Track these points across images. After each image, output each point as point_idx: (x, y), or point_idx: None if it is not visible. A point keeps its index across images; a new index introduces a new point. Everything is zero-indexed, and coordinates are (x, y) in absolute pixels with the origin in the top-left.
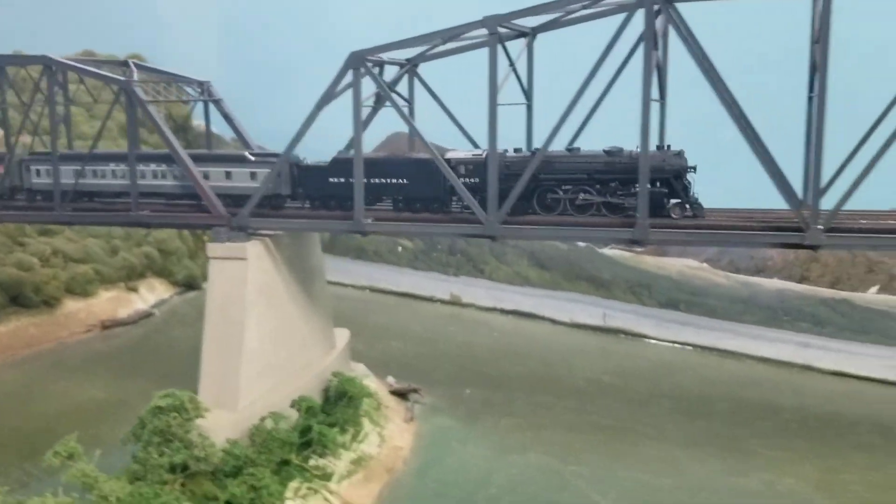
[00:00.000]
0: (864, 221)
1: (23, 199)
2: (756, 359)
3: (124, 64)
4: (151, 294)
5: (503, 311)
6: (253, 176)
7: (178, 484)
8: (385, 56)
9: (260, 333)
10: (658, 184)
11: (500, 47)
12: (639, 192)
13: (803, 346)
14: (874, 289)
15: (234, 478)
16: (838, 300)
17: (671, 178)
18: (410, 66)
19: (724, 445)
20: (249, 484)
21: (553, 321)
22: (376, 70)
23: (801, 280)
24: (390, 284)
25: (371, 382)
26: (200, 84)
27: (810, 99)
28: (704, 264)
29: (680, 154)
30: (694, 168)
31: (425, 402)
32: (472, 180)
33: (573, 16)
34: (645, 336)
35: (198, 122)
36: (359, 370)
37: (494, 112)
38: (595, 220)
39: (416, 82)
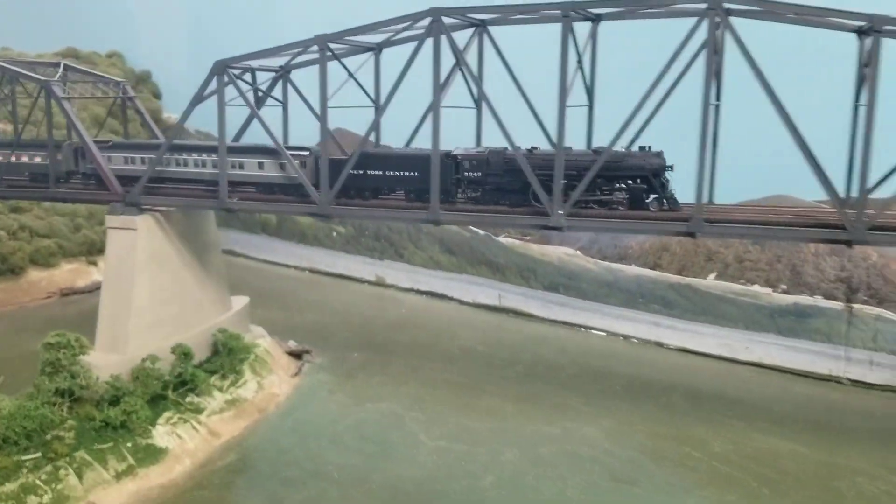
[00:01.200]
0: None
1: (78, 182)
2: (617, 335)
3: (55, 65)
4: None
5: (418, 292)
6: (281, 167)
7: (64, 407)
8: (255, 63)
9: (150, 292)
10: (639, 180)
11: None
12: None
13: (655, 325)
14: (712, 275)
15: (113, 405)
16: (683, 285)
17: (650, 175)
18: (283, 73)
19: (551, 402)
20: (124, 409)
21: (459, 301)
22: (247, 76)
23: (654, 267)
24: (327, 266)
25: (265, 343)
26: (118, 84)
27: (856, 108)
28: (578, 252)
29: (659, 154)
30: (671, 167)
31: (315, 362)
32: (475, 174)
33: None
34: (531, 315)
35: (167, 114)
36: (256, 332)
37: (438, 113)
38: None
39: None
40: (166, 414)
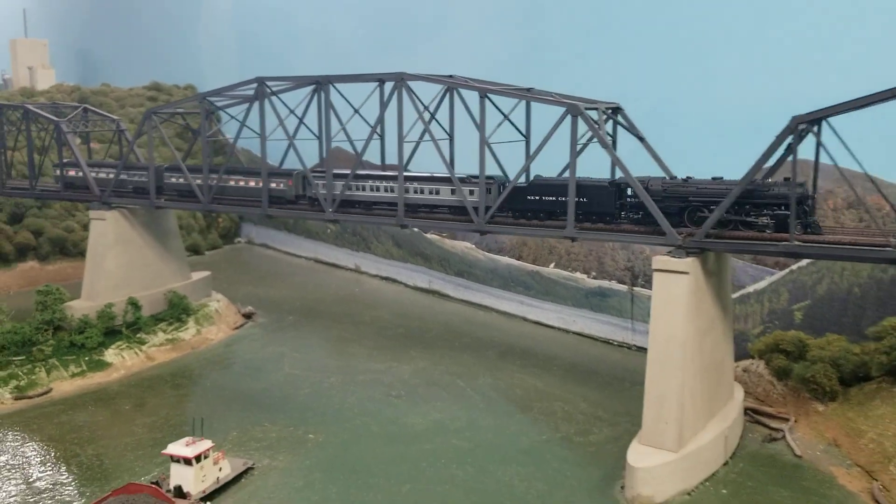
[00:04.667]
0: None
1: (305, 204)
2: (498, 311)
3: (76, 107)
4: None
5: (379, 277)
6: (454, 192)
7: (49, 332)
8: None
9: (116, 263)
10: (784, 208)
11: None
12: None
13: (520, 304)
14: (552, 264)
15: (80, 333)
16: (535, 272)
17: (794, 203)
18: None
19: (397, 351)
20: (85, 335)
21: (405, 284)
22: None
23: (518, 258)
24: (324, 257)
25: (218, 305)
26: (113, 121)
27: None
28: (473, 245)
29: (802, 184)
30: (813, 196)
31: (258, 321)
32: (636, 199)
33: None
34: (447, 295)
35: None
36: (216, 297)
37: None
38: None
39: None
40: (118, 342)
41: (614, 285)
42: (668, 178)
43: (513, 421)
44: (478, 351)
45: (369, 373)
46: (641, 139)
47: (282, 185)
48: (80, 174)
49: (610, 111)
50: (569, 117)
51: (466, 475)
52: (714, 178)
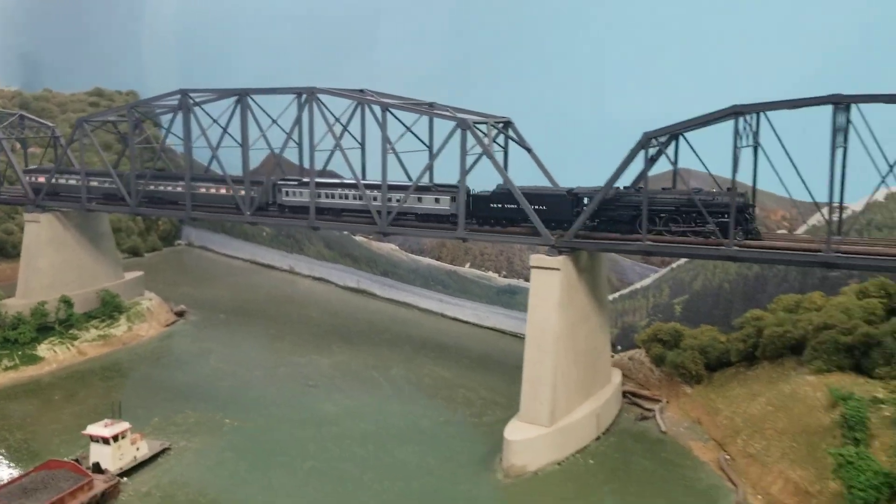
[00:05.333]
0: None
1: (275, 211)
2: (419, 309)
3: (13, 115)
4: None
5: (313, 278)
6: (437, 200)
7: None
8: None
9: (50, 263)
10: (727, 216)
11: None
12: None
13: (439, 301)
14: (468, 264)
15: (13, 329)
16: (452, 271)
17: (737, 211)
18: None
19: (318, 345)
20: (19, 331)
21: (335, 284)
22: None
23: (438, 258)
24: (261, 258)
25: (150, 303)
26: (49, 128)
27: None
28: (396, 247)
29: (744, 194)
30: (753, 205)
31: (189, 319)
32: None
33: None
34: (374, 294)
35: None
36: (148, 295)
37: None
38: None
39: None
40: (51, 338)
41: (521, 283)
42: (621, 188)
43: (417, 406)
44: (395, 345)
45: (291, 366)
46: (529, 150)
47: (253, 192)
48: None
49: (501, 125)
50: (459, 130)
51: (367, 453)
52: (664, 189)
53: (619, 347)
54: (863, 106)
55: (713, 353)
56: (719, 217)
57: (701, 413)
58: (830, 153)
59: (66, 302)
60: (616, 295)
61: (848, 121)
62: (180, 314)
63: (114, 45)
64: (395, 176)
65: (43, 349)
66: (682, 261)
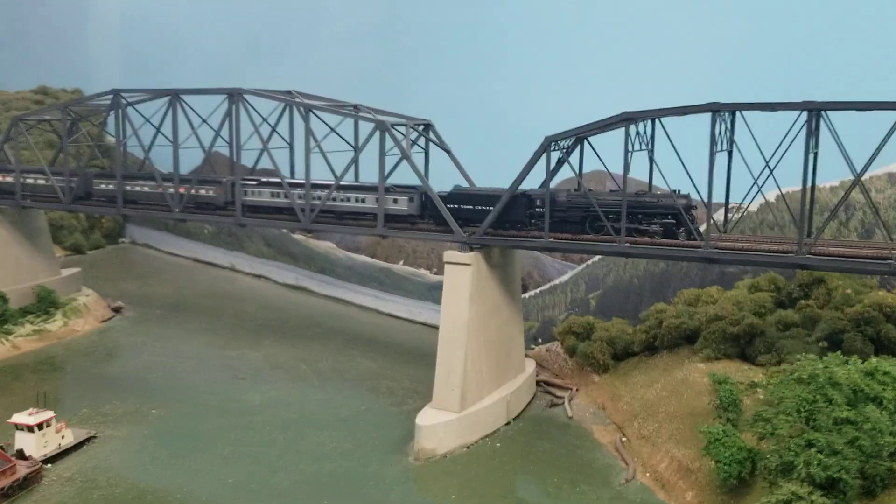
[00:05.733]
0: None
1: (232, 209)
2: (355, 305)
3: None
4: None
5: (253, 275)
6: (396, 201)
7: None
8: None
9: None
10: (670, 217)
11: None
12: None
13: (375, 297)
14: (401, 262)
15: None
16: (386, 268)
17: (681, 212)
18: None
19: (252, 339)
20: None
21: (274, 281)
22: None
23: (373, 256)
24: (202, 256)
25: (87, 299)
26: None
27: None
28: (334, 245)
29: (687, 196)
30: (696, 206)
31: (126, 315)
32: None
33: None
34: (311, 291)
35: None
36: (85, 291)
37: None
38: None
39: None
40: None
41: None
42: (571, 190)
43: (340, 396)
44: (327, 339)
45: (222, 358)
46: (448, 152)
47: (211, 191)
48: None
49: (421, 127)
50: (378, 132)
51: (286, 439)
52: (611, 191)
53: (540, 340)
54: (749, 113)
55: (620, 344)
56: (664, 218)
57: (605, 399)
58: (710, 157)
59: (1, 297)
60: (537, 290)
61: (728, 128)
62: (117, 310)
63: (59, 44)
64: (322, 174)
65: None
66: (597, 258)
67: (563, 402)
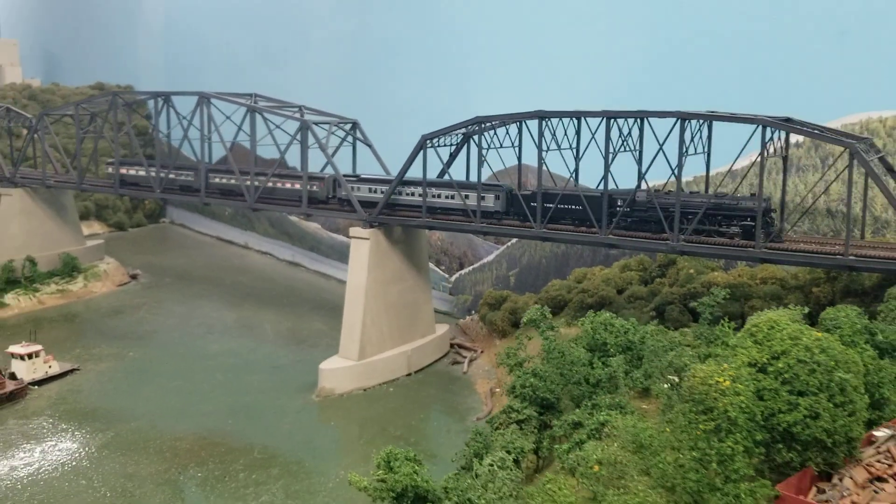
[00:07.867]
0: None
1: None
2: (336, 279)
3: (6, 109)
4: (88, 229)
5: (261, 252)
6: (483, 199)
7: None
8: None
9: (19, 229)
10: (750, 219)
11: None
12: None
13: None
14: None
15: None
16: None
17: (759, 215)
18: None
19: (237, 304)
20: None
21: (276, 257)
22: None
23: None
24: (224, 235)
25: (107, 266)
26: (28, 119)
27: None
28: (318, 226)
29: (767, 199)
30: (775, 210)
31: (141, 281)
32: (626, 209)
33: None
34: (304, 266)
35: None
36: (106, 260)
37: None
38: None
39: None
40: (17, 290)
41: None
42: (652, 189)
43: (284, 350)
44: (297, 306)
45: (202, 318)
46: (370, 146)
47: (314, 186)
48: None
49: (349, 126)
50: (306, 129)
51: (225, 378)
52: (690, 193)
53: (474, 311)
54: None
55: (519, 313)
56: (743, 220)
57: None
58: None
59: (31, 261)
60: (470, 268)
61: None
62: (134, 276)
63: (115, 44)
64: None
65: (9, 298)
66: (514, 240)
67: (464, 361)
